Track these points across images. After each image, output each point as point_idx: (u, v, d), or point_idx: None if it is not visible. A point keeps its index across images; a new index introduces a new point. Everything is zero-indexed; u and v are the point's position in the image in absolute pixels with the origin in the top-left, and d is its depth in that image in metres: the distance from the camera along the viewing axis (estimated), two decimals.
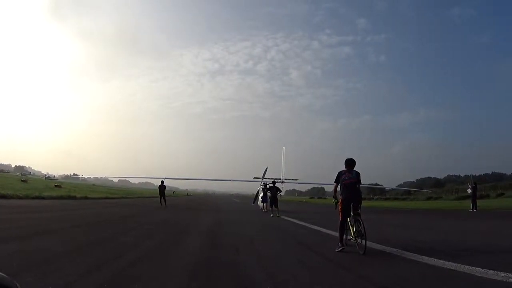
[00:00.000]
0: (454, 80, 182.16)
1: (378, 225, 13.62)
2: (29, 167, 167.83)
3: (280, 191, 21.75)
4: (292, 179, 42.00)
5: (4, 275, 1.22)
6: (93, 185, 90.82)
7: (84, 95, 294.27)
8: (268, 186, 22.86)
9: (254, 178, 37.30)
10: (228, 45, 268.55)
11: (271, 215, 19.02)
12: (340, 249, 7.27)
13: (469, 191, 24.51)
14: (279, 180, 29.44)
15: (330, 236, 9.81)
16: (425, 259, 6.29)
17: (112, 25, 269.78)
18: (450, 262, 5.85)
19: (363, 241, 6.89)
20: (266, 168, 33.13)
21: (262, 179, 32.15)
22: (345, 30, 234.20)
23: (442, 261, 6.00)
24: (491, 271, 5.11)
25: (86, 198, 29.84)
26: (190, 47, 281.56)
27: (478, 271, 5.21)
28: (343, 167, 7.79)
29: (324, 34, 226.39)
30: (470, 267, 5.43)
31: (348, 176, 7.58)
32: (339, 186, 7.74)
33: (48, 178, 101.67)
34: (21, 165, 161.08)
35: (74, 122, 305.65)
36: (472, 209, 22.53)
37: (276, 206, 19.56)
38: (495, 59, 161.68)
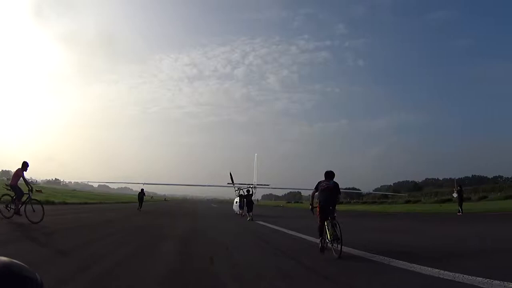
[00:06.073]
0: (432, 84, 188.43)
1: (358, 230, 13.47)
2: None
3: (253, 194, 24.68)
4: (264, 185, 43.25)
5: (26, 266, 1.22)
6: (74, 190, 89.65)
7: (66, 99, 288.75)
8: (244, 194, 25.31)
9: (228, 184, 38.35)
10: (207, 50, 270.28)
11: (248, 219, 20.26)
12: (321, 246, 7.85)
13: (455, 195, 24.69)
14: (251, 186, 31.37)
15: (307, 242, 9.75)
16: (416, 267, 5.93)
17: (92, 30, 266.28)
18: (446, 272, 5.48)
19: (339, 246, 7.16)
20: (230, 173, 35.16)
21: (234, 184, 33.87)
22: (323, 35, 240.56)
23: (436, 269, 5.63)
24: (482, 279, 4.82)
25: (64, 203, 29.88)
26: (169, 52, 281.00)
27: (479, 281, 4.87)
28: (320, 171, 8.76)
29: (302, 39, 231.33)
30: (467, 276, 5.10)
31: (326, 183, 8.09)
32: (316, 193, 8.30)
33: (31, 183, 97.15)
34: (6, 169, 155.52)
35: (56, 127, 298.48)
36: (459, 212, 22.55)
37: (251, 210, 21.36)
38: (473, 63, 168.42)
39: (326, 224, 7.77)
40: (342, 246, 7.13)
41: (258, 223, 17.99)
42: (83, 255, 6.83)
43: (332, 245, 7.47)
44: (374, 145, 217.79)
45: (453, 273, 5.33)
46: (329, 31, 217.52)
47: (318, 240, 8.15)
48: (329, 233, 7.61)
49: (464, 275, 5.18)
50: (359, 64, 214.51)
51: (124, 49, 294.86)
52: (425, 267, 5.84)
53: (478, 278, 5.00)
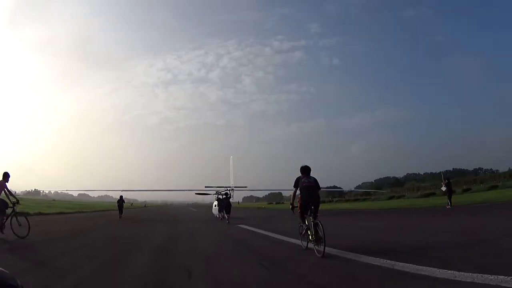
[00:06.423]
0: (408, 80, 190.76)
1: (346, 229, 13.11)
2: None
3: (231, 197, 25.92)
4: (242, 187, 44.11)
5: (6, 271, 1.30)
6: (53, 200, 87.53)
7: (41, 108, 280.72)
8: (222, 197, 26.42)
9: (206, 187, 38.57)
10: (181, 54, 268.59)
11: (227, 222, 20.68)
12: (304, 232, 8.04)
13: (444, 188, 24.41)
14: (228, 188, 32.41)
15: (291, 245, 9.24)
16: (425, 270, 5.24)
17: (67, 36, 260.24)
18: (462, 272, 4.80)
19: (322, 246, 7.04)
20: (205, 187, 38.37)
21: (212, 189, 35.69)
22: (297, 35, 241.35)
23: (450, 271, 4.93)
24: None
25: (39, 214, 29.52)
26: (143, 58, 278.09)
27: (502, 279, 4.23)
28: (299, 172, 8.33)
29: (276, 40, 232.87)
30: (487, 276, 4.45)
31: (307, 180, 8.07)
32: (298, 191, 8.24)
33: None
34: None
35: (33, 136, 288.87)
36: (449, 206, 22.20)
37: (229, 213, 22.00)
38: (448, 57, 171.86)
39: (307, 223, 7.77)
40: (325, 247, 6.99)
41: (239, 226, 17.30)
42: (42, 275, 5.91)
43: (314, 245, 7.37)
44: (353, 143, 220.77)
45: (471, 274, 4.65)
46: (303, 31, 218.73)
47: (300, 242, 8.42)
48: (311, 233, 7.56)
49: (484, 275, 4.54)
50: (334, 63, 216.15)
51: (99, 56, 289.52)
52: (435, 269, 5.12)
53: (499, 276, 4.39)
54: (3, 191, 11.14)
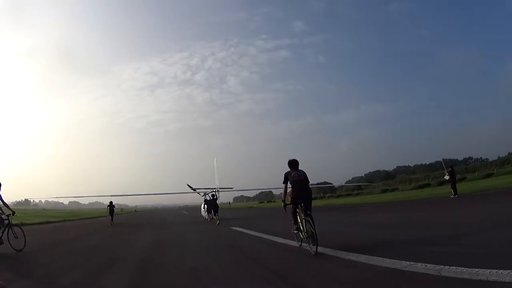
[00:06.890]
0: (395, 74, 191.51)
1: (346, 225, 12.63)
2: None
3: (217, 198, 26.59)
4: (228, 188, 43.41)
5: None
6: (43, 209, 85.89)
7: (29, 117, 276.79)
8: (209, 198, 26.65)
9: (189, 186, 37.46)
10: (166, 57, 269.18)
11: (217, 223, 20.65)
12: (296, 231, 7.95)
13: (447, 177, 23.41)
14: (215, 190, 32.26)
15: (289, 248, 8.61)
16: (480, 273, 4.24)
17: (51, 44, 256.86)
18: None
19: (314, 244, 6.96)
20: (188, 184, 36.01)
21: (195, 191, 35.31)
22: (281, 33, 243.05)
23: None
24: None
25: (22, 224, 27.39)
26: (128, 62, 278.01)
27: None
28: (288, 168, 8.18)
29: (260, 39, 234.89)
30: None
31: (297, 173, 7.93)
32: (289, 187, 8.06)
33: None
34: None
35: (23, 146, 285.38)
36: (454, 195, 21.33)
37: (217, 214, 22.94)
38: (435, 50, 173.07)
39: (299, 221, 7.71)
40: (319, 246, 6.94)
41: (232, 228, 16.29)
42: None
43: (308, 244, 7.31)
44: (341, 139, 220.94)
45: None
46: (288, 29, 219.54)
47: (294, 241, 8.34)
48: (304, 230, 7.48)
49: None
50: (320, 60, 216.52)
51: (84, 62, 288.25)
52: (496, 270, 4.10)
53: None
54: None
